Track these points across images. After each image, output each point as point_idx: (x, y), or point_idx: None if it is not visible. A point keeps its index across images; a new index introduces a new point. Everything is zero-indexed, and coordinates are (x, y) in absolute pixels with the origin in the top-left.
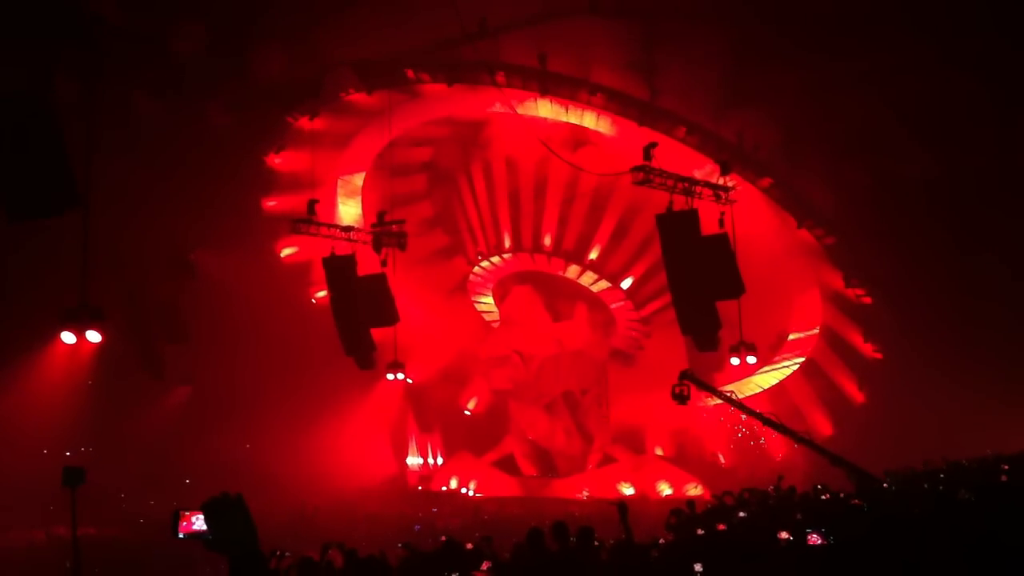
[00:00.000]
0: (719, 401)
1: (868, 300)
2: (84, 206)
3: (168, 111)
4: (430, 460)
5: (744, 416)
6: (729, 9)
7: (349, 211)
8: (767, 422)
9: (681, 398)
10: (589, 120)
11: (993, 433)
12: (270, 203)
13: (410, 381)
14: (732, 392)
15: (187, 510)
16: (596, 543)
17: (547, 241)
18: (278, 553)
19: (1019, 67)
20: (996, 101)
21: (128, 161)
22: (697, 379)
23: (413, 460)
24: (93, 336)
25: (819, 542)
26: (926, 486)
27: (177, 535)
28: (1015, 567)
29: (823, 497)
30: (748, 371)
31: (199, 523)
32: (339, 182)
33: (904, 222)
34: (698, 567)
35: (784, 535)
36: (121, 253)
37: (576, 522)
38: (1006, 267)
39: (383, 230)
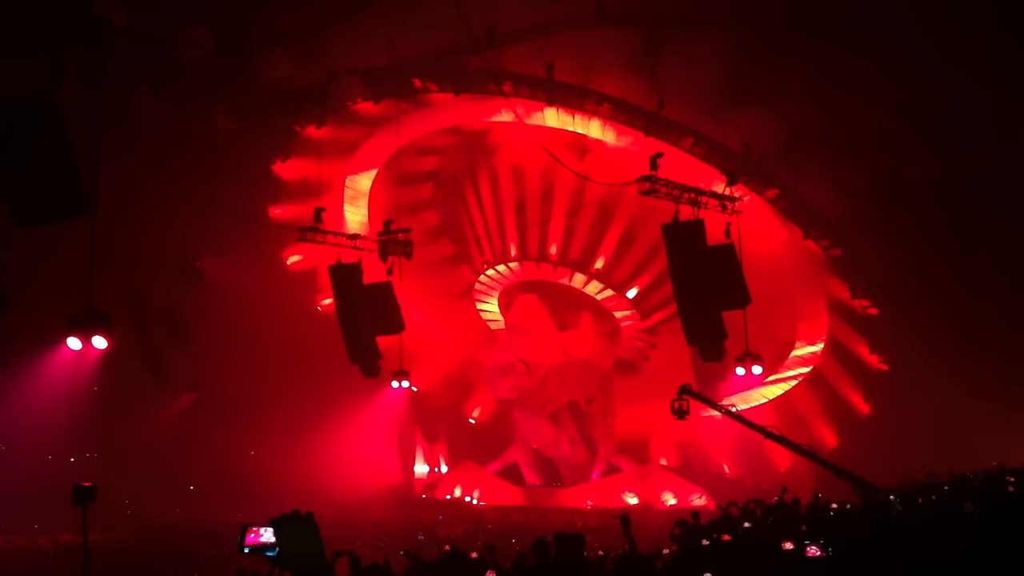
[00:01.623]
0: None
1: (874, 311)
2: (92, 212)
3: (174, 114)
4: (435, 468)
5: None
6: (734, 11)
7: (355, 218)
8: (769, 435)
9: (680, 413)
10: (595, 130)
11: (1000, 445)
12: (276, 210)
13: (415, 389)
14: (733, 405)
15: (254, 524)
16: (601, 553)
17: (553, 250)
18: None
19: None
20: (1001, 102)
21: (133, 164)
22: (696, 393)
23: (419, 468)
24: (99, 342)
25: (818, 554)
26: (934, 498)
27: (243, 549)
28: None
29: (832, 506)
30: (754, 382)
31: (267, 536)
32: (345, 190)
33: (910, 226)
34: None
35: (789, 545)
36: (126, 257)
37: (580, 532)
38: (1013, 274)
39: (389, 238)
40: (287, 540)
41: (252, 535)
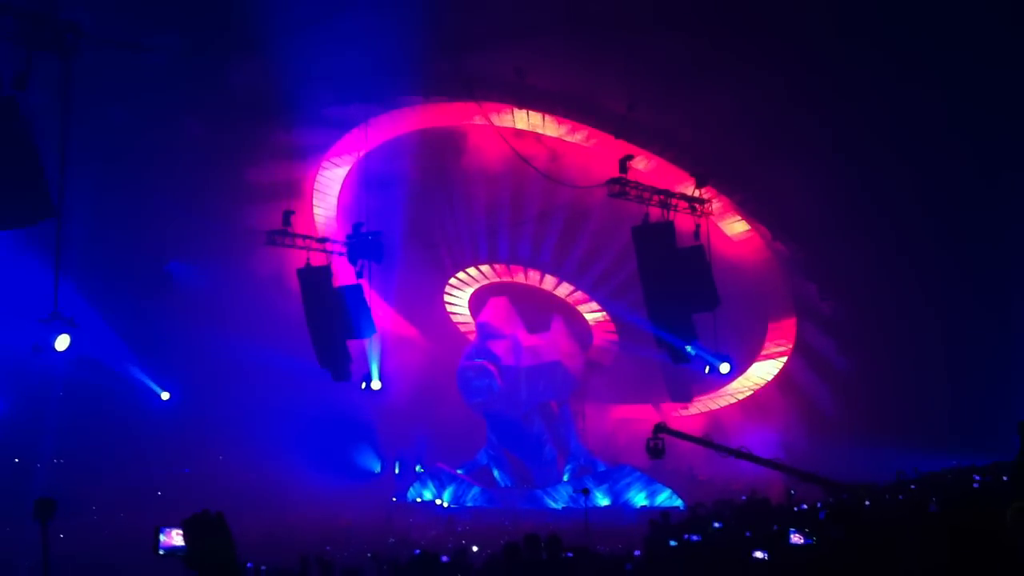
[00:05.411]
0: (695, 411)
1: (841, 312)
2: (58, 215)
3: (144, 119)
4: (406, 470)
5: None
6: (702, 15)
7: (324, 222)
8: (740, 456)
9: (656, 452)
10: (564, 132)
11: (968, 443)
12: (246, 214)
13: (386, 392)
14: (709, 435)
15: (168, 526)
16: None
17: (525, 252)
18: (253, 566)
19: (994, 82)
20: (972, 116)
21: (102, 169)
22: (671, 429)
23: (389, 470)
24: (62, 343)
25: (801, 541)
26: (901, 497)
27: (158, 551)
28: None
29: (802, 507)
30: (722, 382)
31: (179, 539)
32: (315, 192)
33: (879, 227)
34: None
35: (759, 554)
36: (96, 262)
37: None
38: (979, 275)
39: (359, 241)
40: (196, 541)
41: (166, 537)
